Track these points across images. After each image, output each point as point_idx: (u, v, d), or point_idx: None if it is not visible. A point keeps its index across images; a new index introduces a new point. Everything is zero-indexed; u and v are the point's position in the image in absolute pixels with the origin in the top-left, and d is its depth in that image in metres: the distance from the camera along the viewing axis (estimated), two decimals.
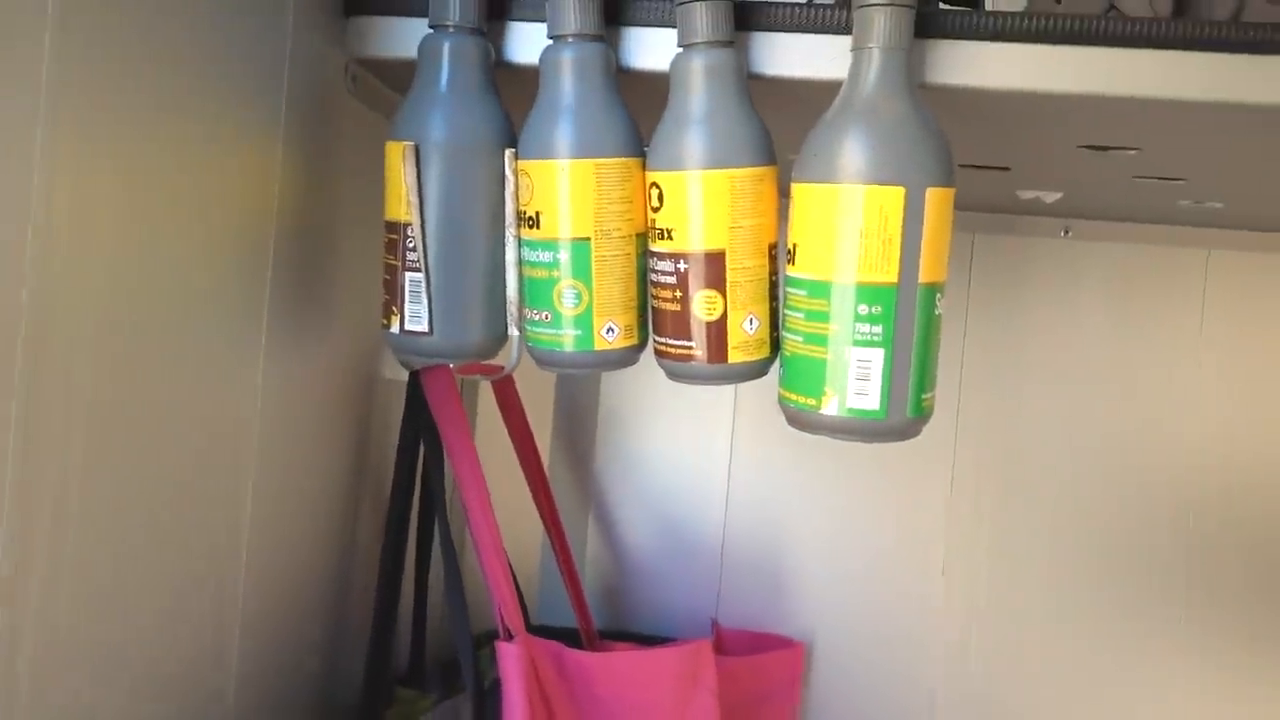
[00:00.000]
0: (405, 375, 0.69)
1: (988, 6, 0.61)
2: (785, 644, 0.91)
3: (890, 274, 0.49)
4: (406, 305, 0.55)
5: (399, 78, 0.61)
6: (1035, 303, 0.92)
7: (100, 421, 0.42)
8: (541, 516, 0.85)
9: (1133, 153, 0.62)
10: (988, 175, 0.74)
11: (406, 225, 0.54)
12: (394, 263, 0.55)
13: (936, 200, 0.49)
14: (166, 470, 0.46)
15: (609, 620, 0.97)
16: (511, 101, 0.57)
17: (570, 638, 0.85)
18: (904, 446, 0.93)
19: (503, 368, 0.70)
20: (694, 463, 0.96)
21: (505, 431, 0.82)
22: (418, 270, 0.54)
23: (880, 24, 0.49)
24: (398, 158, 0.53)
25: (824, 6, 0.53)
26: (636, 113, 0.55)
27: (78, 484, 0.41)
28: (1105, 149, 0.62)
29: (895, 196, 0.48)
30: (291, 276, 0.56)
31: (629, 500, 0.96)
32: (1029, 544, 0.93)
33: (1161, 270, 0.91)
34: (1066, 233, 0.91)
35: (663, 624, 0.96)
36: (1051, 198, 0.79)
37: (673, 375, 0.55)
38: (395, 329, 0.55)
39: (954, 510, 0.94)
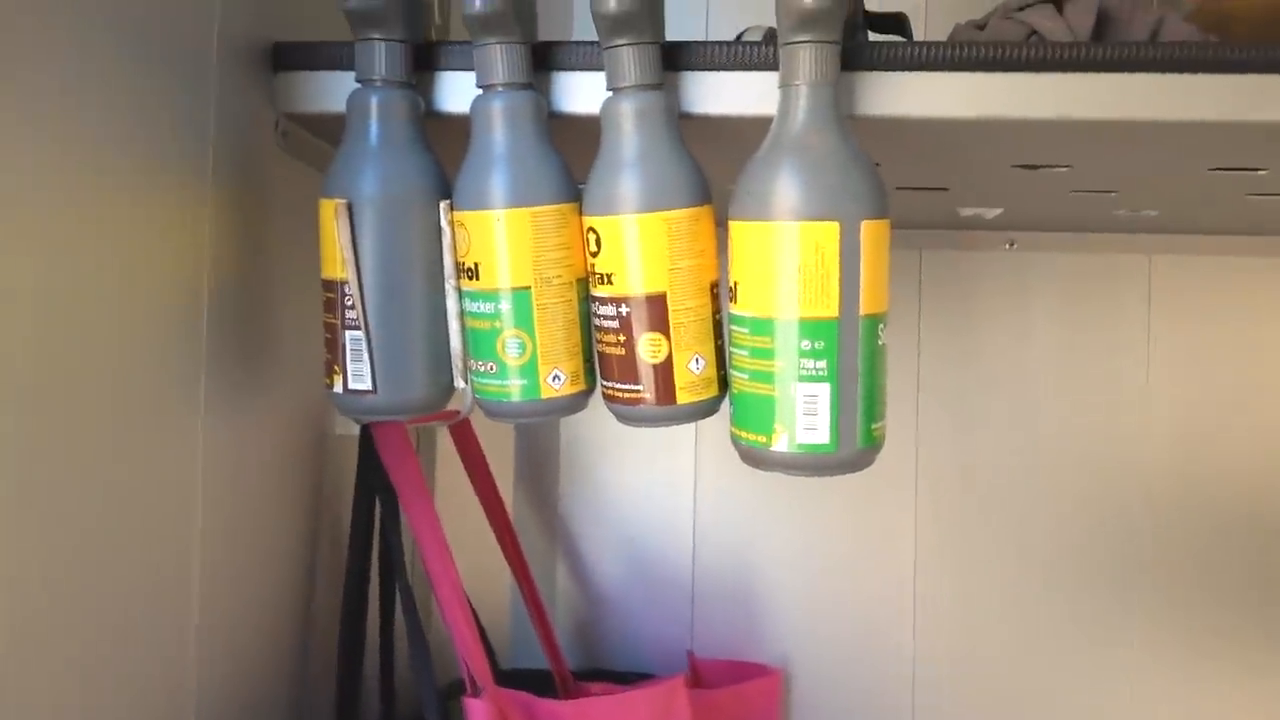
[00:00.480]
0: (356, 430, 0.68)
1: (917, 36, 0.62)
2: (762, 671, 0.90)
3: (830, 308, 0.49)
4: (348, 364, 0.54)
5: (331, 131, 0.60)
6: (985, 315, 0.93)
7: (26, 503, 0.40)
8: (507, 559, 0.84)
9: (1063, 170, 0.63)
10: (927, 195, 0.75)
11: (343, 283, 0.53)
12: (333, 321, 0.54)
13: (872, 232, 0.50)
14: (101, 548, 0.45)
15: (583, 658, 0.96)
16: (445, 151, 0.56)
17: (543, 682, 0.84)
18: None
19: (458, 412, 0.69)
20: (659, 494, 0.95)
21: (467, 478, 0.82)
22: (357, 328, 0.53)
23: (806, 60, 0.49)
24: (330, 215, 0.53)
25: (751, 44, 0.54)
26: (571, 156, 0.55)
27: (3, 569, 0.39)
28: (1036, 167, 0.63)
29: (830, 231, 0.49)
30: (229, 337, 0.55)
31: (596, 537, 0.96)
32: (995, 555, 0.94)
33: (1106, 277, 0.93)
34: (1011, 245, 0.92)
35: (638, 658, 0.95)
36: (992, 214, 0.80)
37: (623, 419, 0.55)
38: (339, 388, 0.54)
39: (920, 526, 0.94)
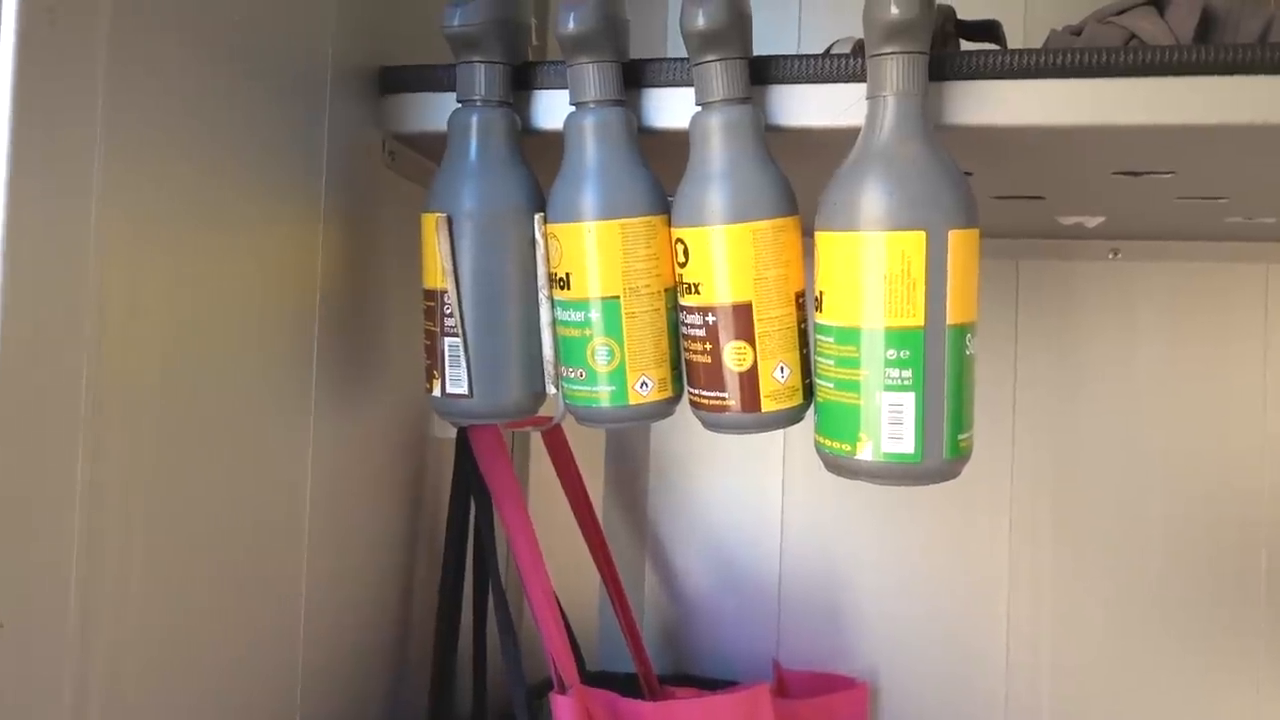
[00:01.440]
0: (454, 433, 0.71)
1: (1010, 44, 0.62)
2: (849, 684, 0.89)
3: (916, 317, 0.49)
4: (446, 369, 0.56)
5: (434, 149, 0.63)
6: (1087, 328, 0.90)
7: (159, 495, 0.44)
8: (596, 563, 0.85)
9: (1167, 176, 0.61)
10: (1024, 204, 0.73)
11: (443, 293, 0.56)
12: (433, 329, 0.57)
13: (959, 242, 0.49)
14: (224, 536, 0.49)
15: (670, 664, 0.97)
16: (541, 167, 0.59)
17: (629, 684, 0.86)
18: (960, 477, 0.91)
19: (551, 419, 0.71)
20: (747, 502, 0.95)
21: (558, 481, 0.84)
22: (455, 335, 0.56)
23: (893, 71, 0.50)
24: (431, 229, 0.56)
25: (838, 57, 0.54)
26: (661, 169, 0.57)
27: (141, 554, 0.43)
28: (1138, 174, 0.61)
29: (916, 241, 0.49)
30: (337, 345, 0.58)
31: (685, 543, 0.97)
32: (1092, 575, 0.91)
33: (1219, 289, 0.89)
34: (1115, 254, 0.89)
35: (724, 666, 0.96)
36: (1093, 222, 0.78)
37: (709, 425, 0.56)
38: (437, 392, 0.57)
39: (1015, 541, 0.92)
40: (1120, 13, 0.55)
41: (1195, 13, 0.53)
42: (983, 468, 0.92)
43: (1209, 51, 0.50)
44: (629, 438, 0.98)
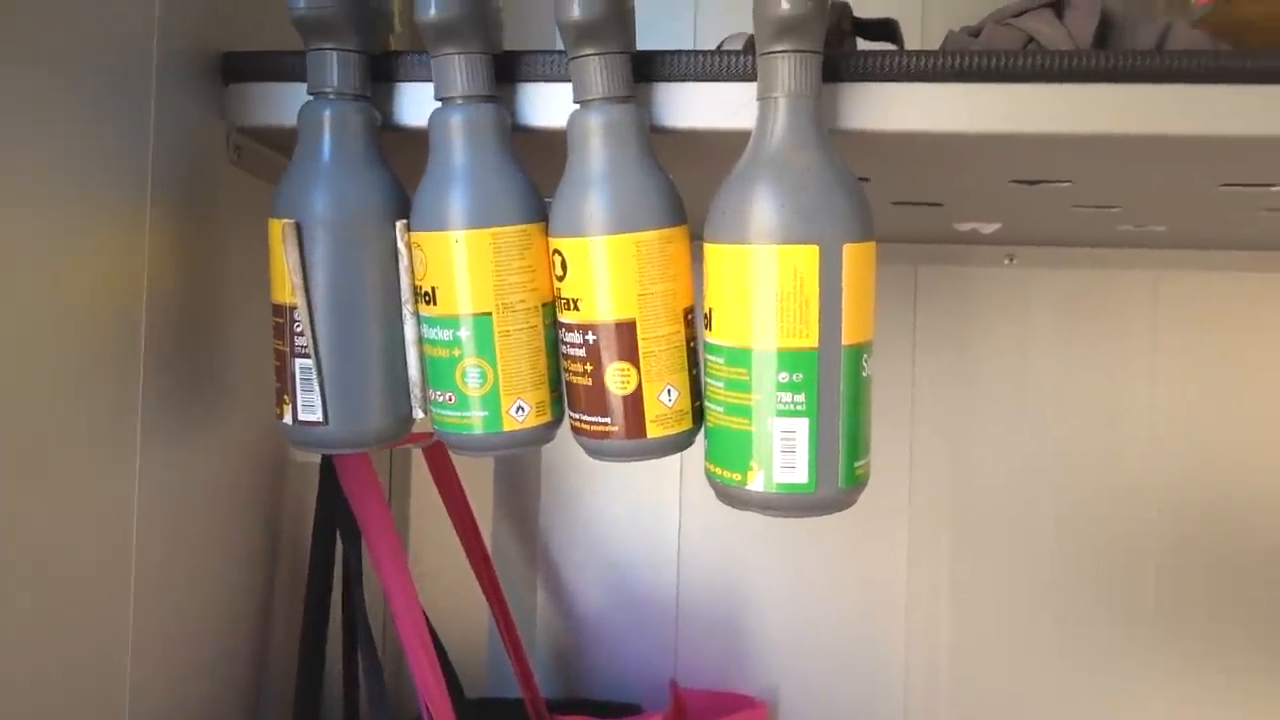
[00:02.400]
0: (316, 458, 0.65)
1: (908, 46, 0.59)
2: (748, 704, 0.87)
3: (810, 338, 0.46)
4: (299, 394, 0.50)
5: (289, 145, 0.57)
6: (984, 333, 0.90)
7: None
8: (482, 586, 0.80)
9: (1064, 185, 0.60)
10: (922, 210, 0.71)
11: (292, 309, 0.50)
12: (283, 348, 0.51)
13: (855, 256, 0.46)
14: (19, 589, 0.42)
15: (565, 687, 0.92)
16: (406, 167, 0.53)
17: (517, 711, 0.81)
18: None
19: (431, 434, 0.66)
20: (643, 520, 0.92)
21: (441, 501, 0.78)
22: (307, 356, 0.50)
23: (784, 71, 0.46)
24: (278, 237, 0.49)
25: (728, 54, 0.50)
26: (539, 172, 0.52)
27: None
28: (1035, 183, 0.60)
29: (809, 256, 0.45)
30: (171, 362, 0.51)
31: (579, 562, 0.92)
32: (989, 585, 0.90)
33: (1111, 294, 0.89)
34: (1011, 260, 0.88)
35: (620, 688, 0.92)
36: (990, 229, 0.77)
37: (591, 453, 0.51)
38: (288, 419, 0.51)
39: (914, 553, 0.90)
40: (1019, 15, 0.53)
41: (1094, 17, 0.51)
42: (881, 476, 0.90)
43: (1108, 58, 0.48)
44: (520, 455, 0.93)
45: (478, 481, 0.91)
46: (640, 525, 0.92)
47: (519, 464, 0.93)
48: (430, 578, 0.91)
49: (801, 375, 0.46)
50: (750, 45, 0.59)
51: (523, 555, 0.93)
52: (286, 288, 0.50)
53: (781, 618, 0.91)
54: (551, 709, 0.81)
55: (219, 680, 0.58)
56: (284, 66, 0.54)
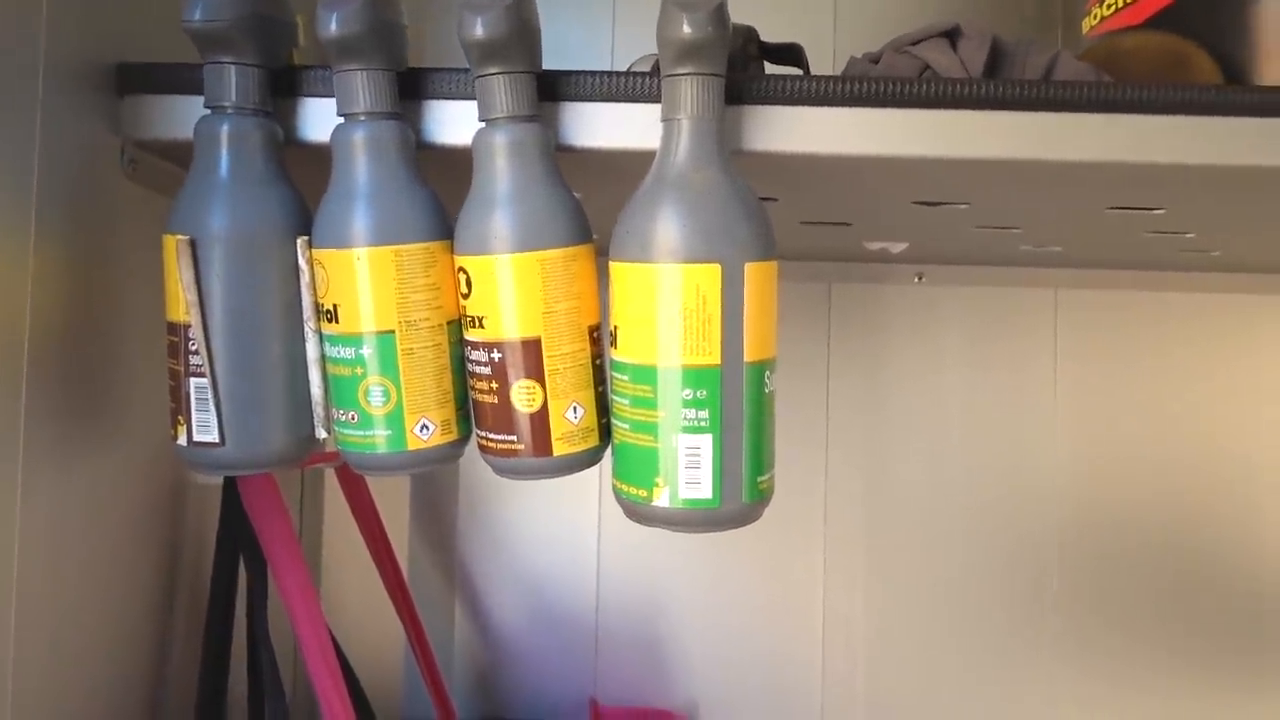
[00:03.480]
0: (218, 480, 0.63)
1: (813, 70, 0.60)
2: (668, 718, 0.87)
3: (713, 355, 0.46)
4: (194, 414, 0.49)
5: (187, 158, 0.56)
6: (895, 349, 0.92)
7: None
8: (396, 608, 0.79)
9: (962, 207, 0.62)
10: (831, 229, 0.73)
11: (186, 327, 0.48)
12: (177, 368, 0.49)
13: (756, 275, 0.47)
14: None
15: (484, 706, 0.91)
16: (309, 184, 0.52)
17: None
18: (775, 501, 0.91)
19: (338, 454, 0.65)
20: (562, 537, 0.91)
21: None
22: (202, 375, 0.48)
23: (687, 94, 0.47)
24: (172, 253, 0.48)
25: (633, 74, 0.51)
26: (445, 190, 0.51)
27: None
28: (935, 204, 0.61)
29: (712, 274, 0.46)
30: (58, 383, 0.49)
31: (497, 580, 0.91)
32: (905, 595, 0.92)
33: (1013, 310, 0.92)
34: (920, 278, 0.91)
35: (540, 706, 0.91)
36: (898, 248, 0.79)
37: (499, 471, 0.51)
38: (183, 440, 0.49)
39: (830, 568, 0.92)
40: (915, 43, 0.55)
41: (985, 47, 0.53)
42: (796, 492, 0.91)
43: (998, 87, 0.50)
44: (436, 472, 0.92)
45: (393, 501, 0.90)
46: (559, 543, 0.91)
47: (435, 483, 0.92)
48: (343, 599, 0.89)
49: (705, 392, 0.46)
50: (657, 67, 0.59)
51: (440, 575, 0.92)
52: (181, 305, 0.48)
53: (700, 633, 0.91)
54: None
55: (112, 710, 0.55)
56: (181, 79, 0.52)
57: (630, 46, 0.90)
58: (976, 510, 0.92)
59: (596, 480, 0.91)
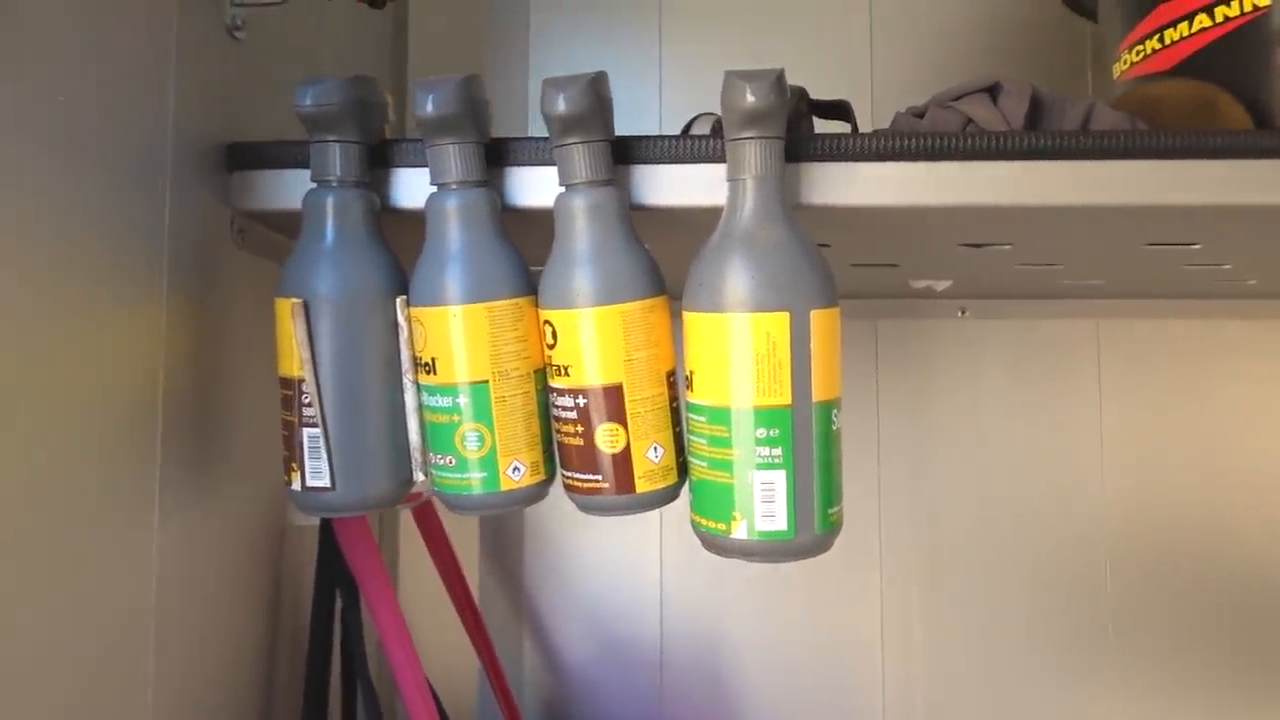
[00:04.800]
0: (316, 520, 0.67)
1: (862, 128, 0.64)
2: None
3: (784, 396, 0.50)
4: (306, 461, 0.53)
5: (289, 226, 0.61)
6: (941, 382, 0.95)
7: None
8: (473, 641, 0.82)
9: (1006, 247, 0.65)
10: (879, 270, 0.76)
11: (300, 381, 0.53)
12: (291, 419, 0.54)
13: (821, 321, 0.51)
14: (52, 655, 0.44)
15: None
16: (402, 247, 0.57)
17: None
18: None
19: (420, 495, 0.69)
20: (626, 573, 0.95)
21: (430, 558, 0.81)
22: (315, 426, 0.53)
23: (751, 156, 0.51)
24: (287, 314, 0.53)
25: (699, 138, 0.55)
26: (526, 247, 0.56)
27: None
28: (980, 245, 0.65)
29: (780, 322, 0.50)
30: (186, 434, 0.54)
31: (564, 616, 0.95)
32: (961, 624, 0.94)
33: (1056, 342, 0.95)
34: (963, 313, 0.94)
35: None
36: (942, 285, 0.82)
37: (583, 508, 0.55)
38: (297, 485, 0.54)
39: (887, 598, 0.94)
40: (957, 98, 0.59)
41: (1024, 100, 0.57)
42: (852, 524, 0.94)
43: (1039, 138, 0.54)
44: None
45: (463, 540, 0.94)
46: (622, 578, 0.95)
47: (504, 522, 0.96)
48: (418, 634, 0.93)
49: (778, 430, 0.50)
50: (717, 127, 0.64)
51: (509, 610, 0.95)
52: (295, 362, 0.53)
53: (762, 663, 0.94)
54: None
55: None
56: (284, 155, 0.58)
57: (676, 106, 0.95)
58: (1027, 542, 0.94)
59: (656, 518, 0.95)
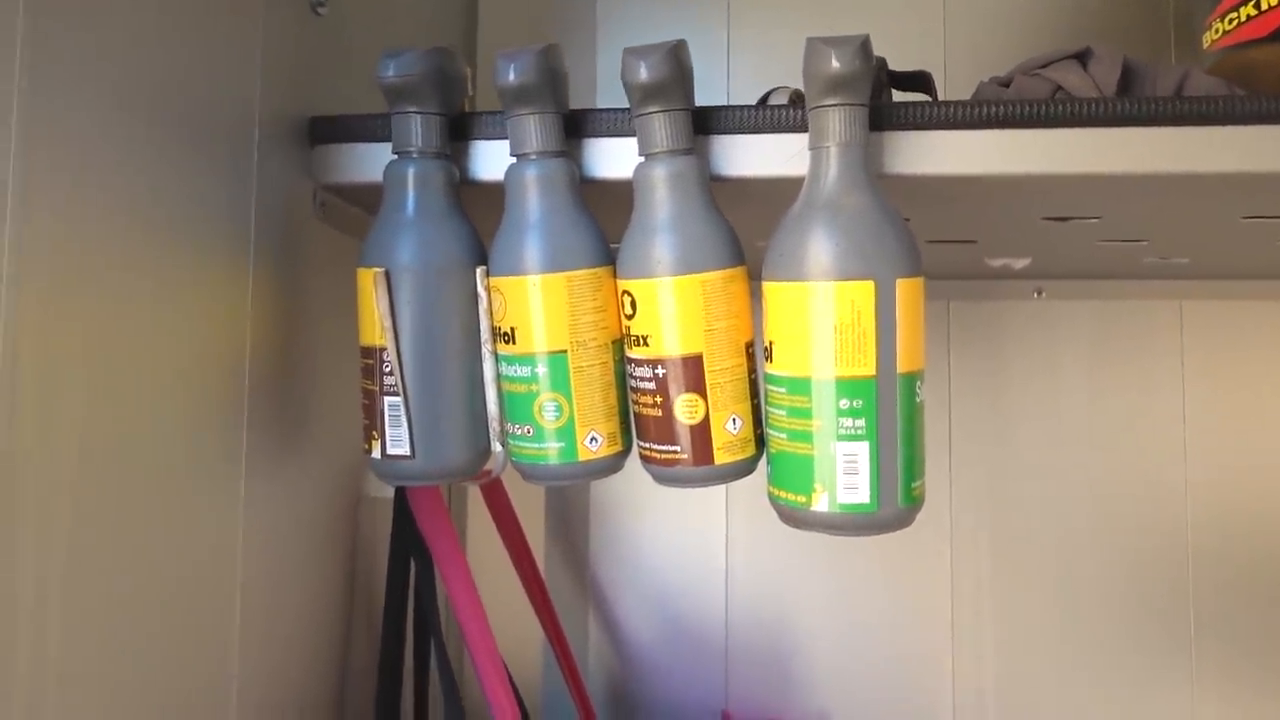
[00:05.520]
0: (391, 492, 0.68)
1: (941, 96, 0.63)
2: None
3: (868, 367, 0.49)
4: (387, 430, 0.54)
5: (368, 200, 0.61)
6: (1015, 365, 0.93)
7: (78, 564, 0.41)
8: (539, 618, 0.83)
9: (1093, 221, 0.63)
10: (956, 247, 0.75)
11: (382, 350, 0.54)
12: (372, 388, 0.54)
13: (906, 290, 0.50)
14: (150, 607, 0.45)
15: (617, 716, 0.94)
16: (480, 218, 0.57)
17: None
18: None
19: (490, 472, 0.69)
20: (691, 551, 0.94)
21: (498, 534, 0.81)
22: (396, 394, 0.54)
23: (835, 123, 0.50)
24: (369, 284, 0.54)
25: (779, 108, 0.54)
26: (604, 219, 0.56)
27: (58, 627, 0.40)
28: (1066, 219, 0.63)
29: (866, 291, 0.49)
30: (269, 403, 0.55)
31: (628, 593, 0.95)
32: (1032, 607, 0.92)
33: (1136, 324, 0.92)
34: (1040, 294, 0.92)
35: (673, 718, 0.94)
36: (1020, 263, 0.80)
37: (660, 480, 0.55)
38: (377, 454, 0.55)
39: (956, 579, 0.93)
40: (1045, 66, 0.57)
41: (1116, 68, 0.55)
42: (922, 508, 0.93)
43: (1133, 104, 0.52)
44: (570, 489, 0.96)
45: (530, 516, 0.94)
46: (688, 556, 0.94)
47: (569, 499, 0.96)
48: (485, 608, 0.94)
49: (861, 402, 0.49)
50: (796, 98, 0.63)
51: (574, 587, 0.96)
52: (376, 331, 0.54)
53: (829, 642, 0.93)
54: None
55: (309, 691, 0.61)
56: (366, 128, 0.58)
57: (745, 85, 0.94)
58: (1104, 527, 0.92)
59: (723, 495, 0.94)
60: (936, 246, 0.75)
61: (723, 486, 0.94)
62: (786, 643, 0.93)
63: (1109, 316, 0.92)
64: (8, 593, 0.37)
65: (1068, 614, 0.92)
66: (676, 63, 0.51)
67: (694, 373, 0.52)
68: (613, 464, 0.55)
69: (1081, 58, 0.57)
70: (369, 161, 0.58)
